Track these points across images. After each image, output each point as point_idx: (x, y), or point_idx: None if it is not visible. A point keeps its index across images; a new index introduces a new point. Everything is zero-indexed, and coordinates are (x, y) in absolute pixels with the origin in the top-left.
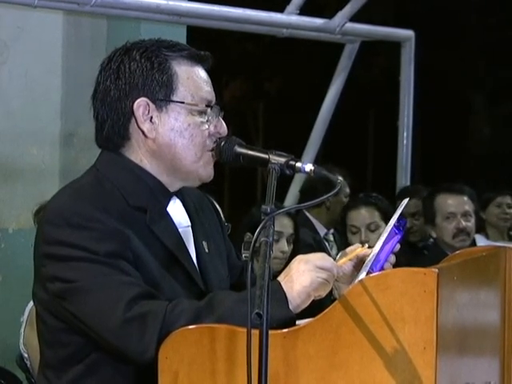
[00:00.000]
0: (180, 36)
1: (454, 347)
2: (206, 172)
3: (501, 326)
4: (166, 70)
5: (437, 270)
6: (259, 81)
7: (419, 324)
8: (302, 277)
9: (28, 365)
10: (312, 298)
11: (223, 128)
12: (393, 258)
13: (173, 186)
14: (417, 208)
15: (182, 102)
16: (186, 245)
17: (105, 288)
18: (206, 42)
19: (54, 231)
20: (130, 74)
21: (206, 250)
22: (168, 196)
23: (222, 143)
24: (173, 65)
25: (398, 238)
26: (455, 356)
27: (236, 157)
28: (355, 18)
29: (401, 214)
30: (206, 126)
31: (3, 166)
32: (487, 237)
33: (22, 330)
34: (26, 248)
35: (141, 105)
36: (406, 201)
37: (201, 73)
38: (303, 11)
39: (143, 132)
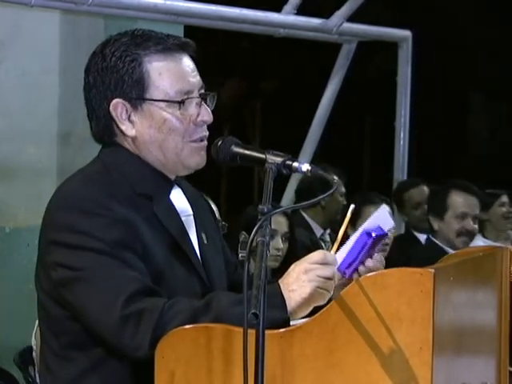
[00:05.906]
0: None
1: (451, 347)
2: (193, 161)
3: (497, 326)
4: (136, 68)
5: (433, 270)
6: (256, 80)
7: (416, 324)
8: (302, 288)
9: (34, 356)
10: (311, 308)
11: (207, 115)
12: (379, 257)
13: (169, 175)
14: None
15: (155, 100)
16: (189, 233)
17: (106, 281)
18: (202, 42)
19: (65, 217)
20: (103, 75)
21: (205, 241)
22: (169, 183)
23: (219, 143)
24: (144, 62)
25: (369, 242)
26: (451, 356)
27: (233, 156)
28: (352, 18)
29: (380, 228)
30: (187, 118)
31: (0, 165)
32: (485, 237)
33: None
34: (23, 247)
35: (117, 106)
36: (384, 207)
37: (178, 64)
38: (300, 11)
39: (123, 131)
